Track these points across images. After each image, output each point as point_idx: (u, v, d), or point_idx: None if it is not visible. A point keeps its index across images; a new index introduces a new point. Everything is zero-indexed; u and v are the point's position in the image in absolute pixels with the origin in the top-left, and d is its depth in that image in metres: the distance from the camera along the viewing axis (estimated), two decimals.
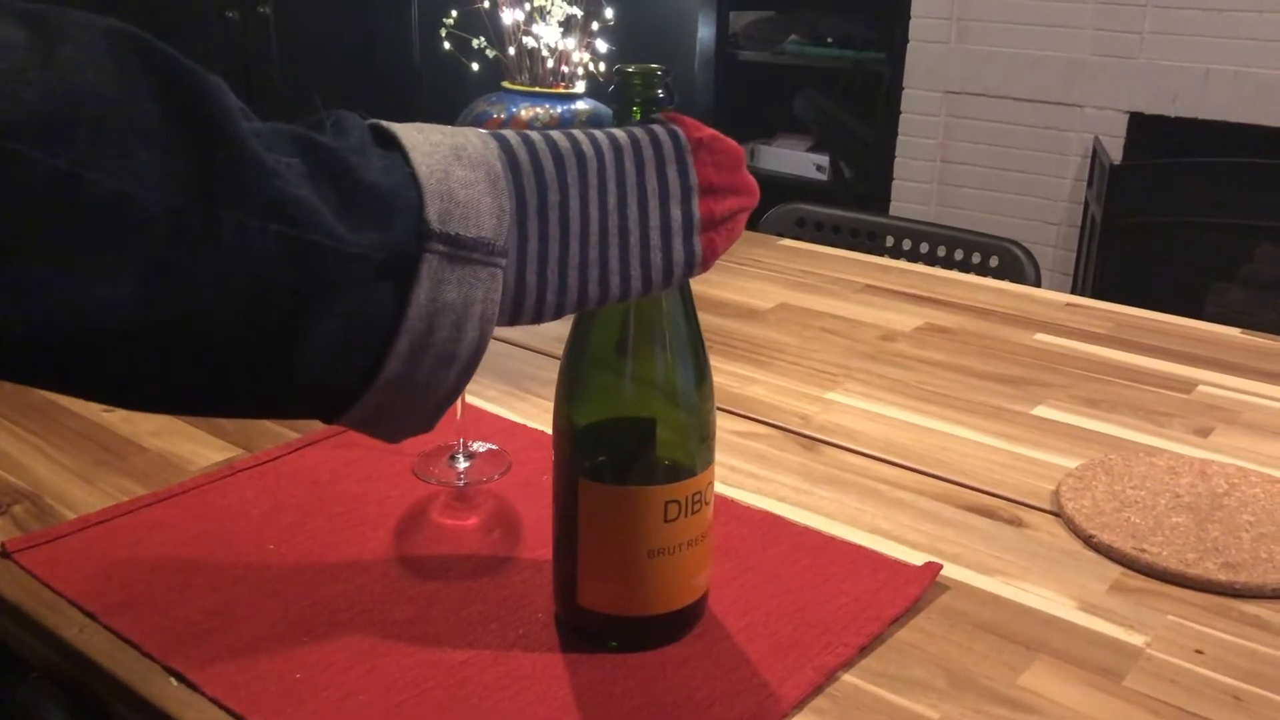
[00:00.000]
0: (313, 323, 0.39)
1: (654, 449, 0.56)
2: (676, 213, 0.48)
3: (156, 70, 0.36)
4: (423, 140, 0.42)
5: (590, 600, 0.57)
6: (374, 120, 0.43)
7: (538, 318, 0.46)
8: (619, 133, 0.48)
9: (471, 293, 0.42)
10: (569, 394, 0.56)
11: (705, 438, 0.56)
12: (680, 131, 0.49)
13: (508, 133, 0.45)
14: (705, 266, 0.49)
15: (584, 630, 0.58)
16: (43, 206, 0.33)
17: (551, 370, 0.95)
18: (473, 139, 0.43)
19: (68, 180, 0.34)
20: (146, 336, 0.37)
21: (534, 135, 0.45)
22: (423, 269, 0.40)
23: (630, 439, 0.56)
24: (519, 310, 0.45)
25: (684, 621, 0.58)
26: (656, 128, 0.49)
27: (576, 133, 0.46)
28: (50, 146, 0.33)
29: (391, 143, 0.42)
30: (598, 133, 0.47)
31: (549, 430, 0.83)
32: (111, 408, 0.41)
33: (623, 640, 0.58)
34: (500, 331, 1.02)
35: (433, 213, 0.41)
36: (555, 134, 0.46)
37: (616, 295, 0.47)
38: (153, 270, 0.35)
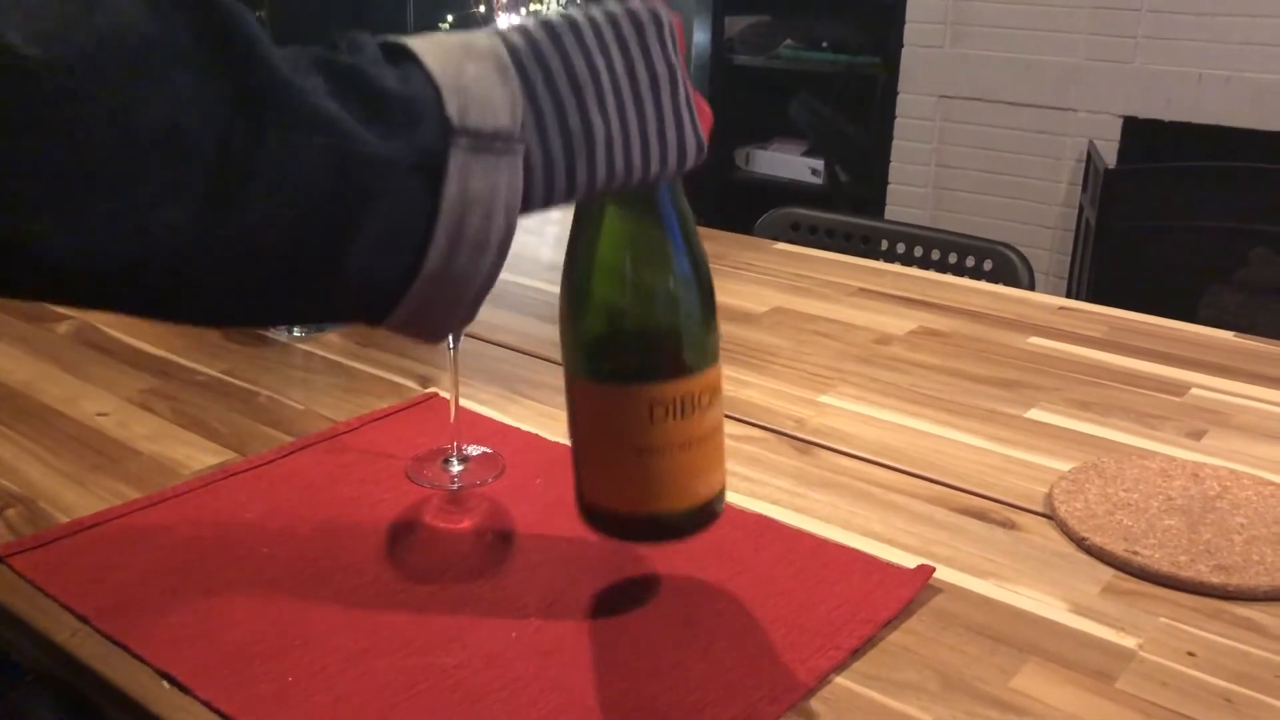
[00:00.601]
0: (356, 228, 0.41)
1: (638, 348, 0.55)
2: (680, 92, 0.48)
3: (186, 4, 0.39)
4: (434, 45, 0.44)
5: (592, 496, 0.57)
6: (384, 37, 0.45)
7: (569, 195, 0.47)
8: (609, 5, 0.48)
9: (496, 182, 0.43)
10: (563, 292, 0.56)
11: (697, 341, 0.54)
12: (661, 10, 0.48)
13: (505, 29, 0.47)
14: (703, 154, 0.50)
15: (593, 525, 0.58)
16: (101, 141, 0.36)
17: (545, 374, 0.95)
18: (478, 35, 0.45)
19: (122, 115, 0.36)
20: (207, 254, 0.39)
21: (529, 23, 0.46)
22: (450, 165, 0.42)
23: (613, 337, 0.55)
24: (550, 190, 0.46)
25: (688, 522, 0.57)
26: (636, 5, 0.48)
27: (571, 11, 0.47)
28: (103, 83, 0.36)
29: (404, 52, 0.44)
30: (592, 8, 0.47)
31: (543, 434, 0.83)
32: (153, 330, 0.43)
33: (626, 535, 0.58)
34: (494, 334, 1.03)
35: (452, 109, 0.43)
36: (550, 16, 0.47)
37: (637, 170, 0.48)
38: (208, 192, 0.38)
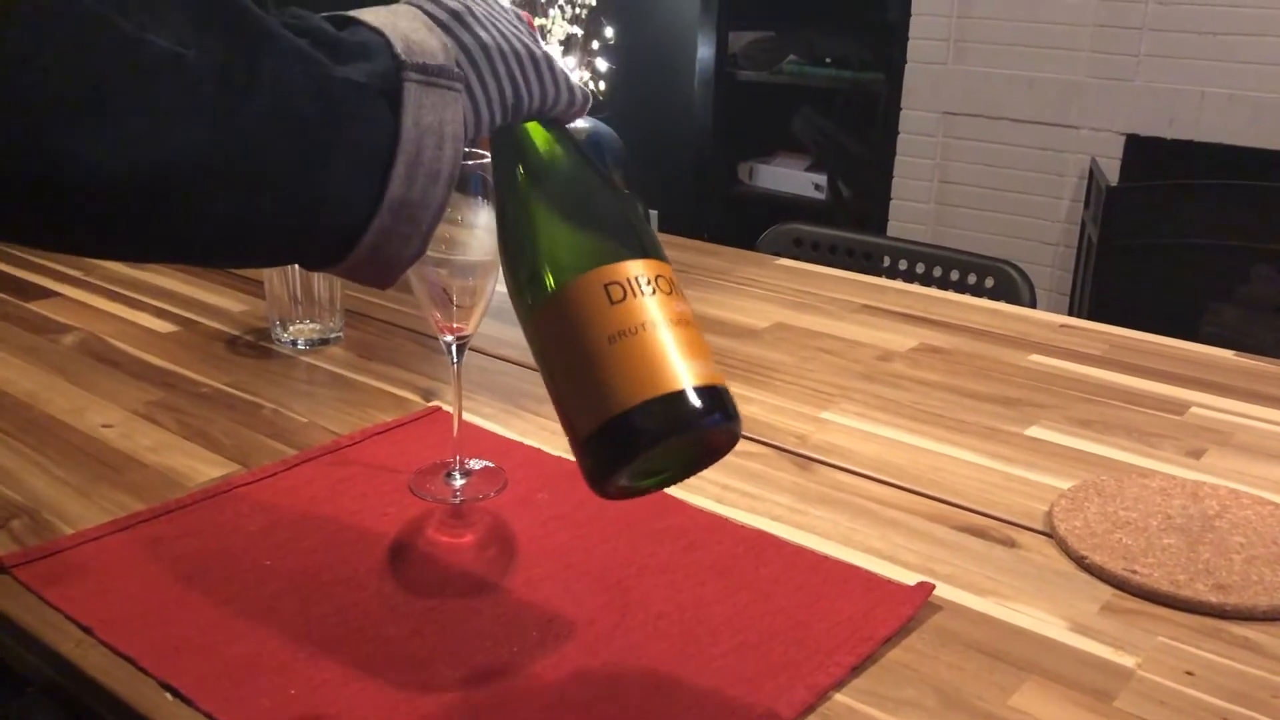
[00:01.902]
0: (334, 150, 0.47)
1: (575, 243, 0.54)
2: (549, 57, 0.57)
3: None
4: (366, 12, 0.51)
5: (590, 421, 0.51)
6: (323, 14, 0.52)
7: (491, 127, 0.54)
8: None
9: (444, 114, 0.49)
10: (501, 249, 0.56)
11: (630, 230, 0.53)
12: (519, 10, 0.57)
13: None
14: (589, 102, 0.59)
15: (606, 472, 0.51)
16: (121, 64, 0.41)
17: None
18: (398, 5, 0.52)
19: (135, 42, 0.41)
20: (215, 166, 0.44)
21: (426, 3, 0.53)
22: (405, 96, 0.48)
23: (553, 243, 0.54)
24: (479, 125, 0.53)
25: (702, 406, 0.50)
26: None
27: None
28: (122, 13, 0.41)
29: (342, 17, 0.51)
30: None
31: (545, 448, 0.83)
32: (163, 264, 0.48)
33: (645, 444, 0.50)
34: (497, 349, 1.03)
35: (400, 49, 0.49)
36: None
37: (550, 101, 0.56)
38: (215, 114, 0.43)
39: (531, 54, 0.55)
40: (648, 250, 0.54)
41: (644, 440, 0.50)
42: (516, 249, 0.55)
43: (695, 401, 0.50)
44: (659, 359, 0.50)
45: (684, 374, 0.50)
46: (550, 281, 0.53)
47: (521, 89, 0.54)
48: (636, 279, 0.52)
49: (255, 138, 0.44)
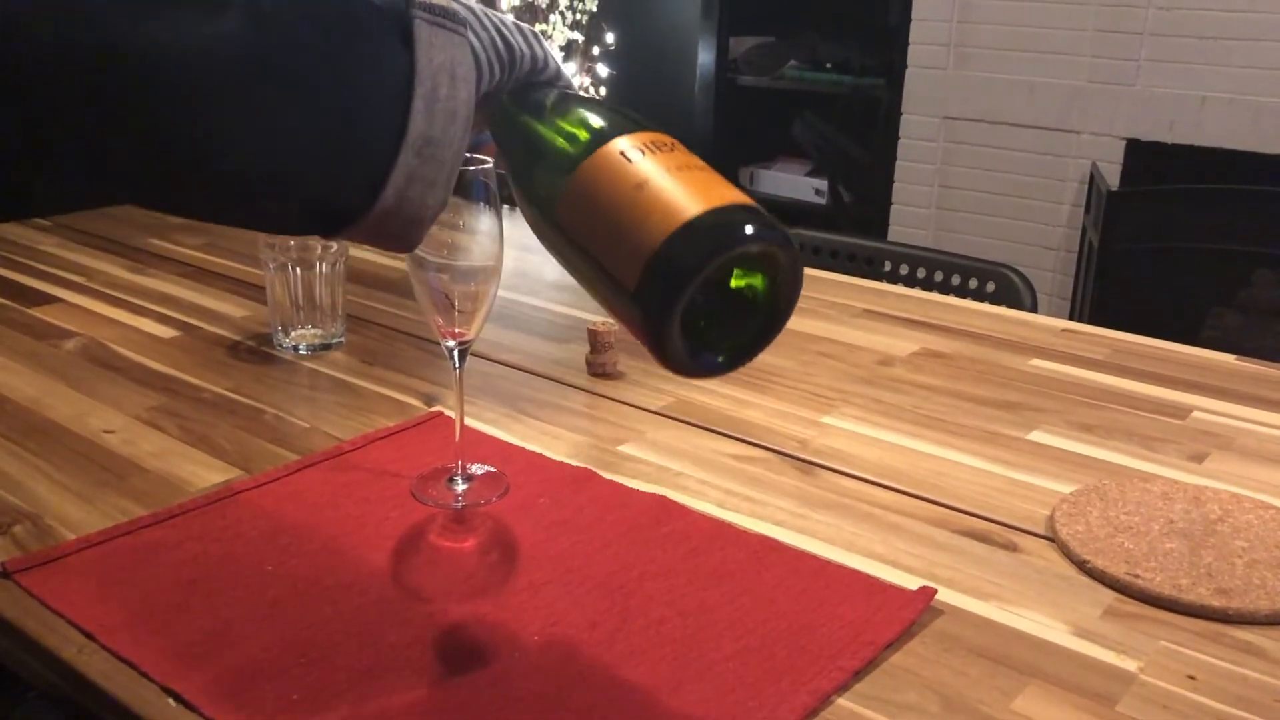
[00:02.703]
0: (359, 67, 0.48)
1: (583, 128, 0.55)
2: None
3: None
4: None
5: (636, 264, 0.49)
6: None
7: (489, 82, 0.55)
8: None
9: (454, 55, 0.50)
10: (520, 184, 0.56)
11: (628, 114, 0.54)
12: None
13: None
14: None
15: (653, 301, 0.49)
16: None
17: (550, 393, 0.96)
18: None
19: None
20: (249, 69, 0.45)
21: None
22: (417, 31, 0.49)
23: (567, 141, 0.55)
24: (479, 77, 0.53)
25: (740, 218, 0.49)
26: None
27: None
28: None
29: None
30: None
31: (547, 453, 0.83)
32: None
33: (701, 259, 0.48)
34: (499, 354, 1.03)
35: None
36: None
37: (540, 64, 0.57)
38: (249, 12, 0.45)
39: (518, 23, 0.57)
40: (652, 128, 0.54)
41: (692, 261, 0.47)
42: (528, 164, 0.55)
43: (735, 215, 0.48)
44: (691, 187, 0.49)
45: (720, 196, 0.49)
46: (570, 166, 0.53)
47: (515, 48, 0.55)
48: (652, 141, 0.52)
49: (287, 36, 0.46)
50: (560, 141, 0.55)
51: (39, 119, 0.44)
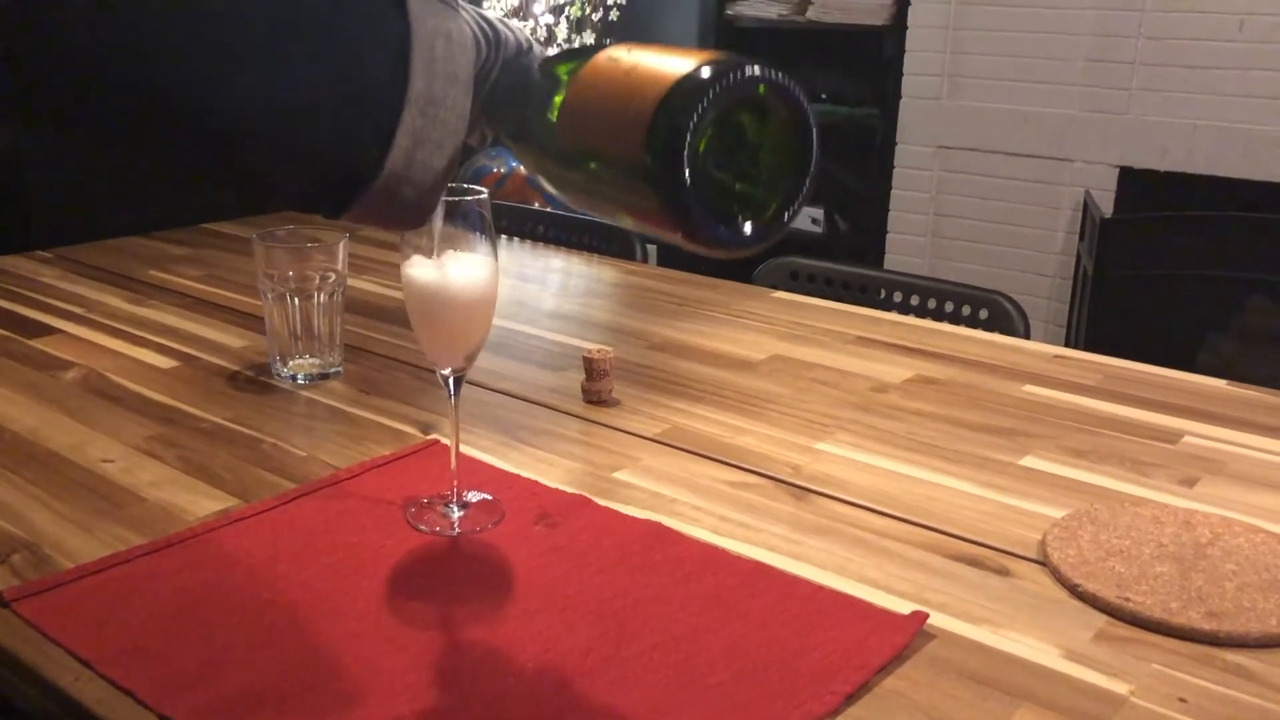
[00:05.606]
0: (360, 22, 0.50)
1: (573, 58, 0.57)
2: None
3: None
4: None
5: (637, 135, 0.50)
6: None
7: (489, 56, 0.57)
8: None
9: (448, 24, 0.52)
10: (550, 172, 0.57)
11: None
12: None
13: None
14: None
15: (661, 156, 0.50)
16: None
17: (545, 421, 0.96)
18: None
19: None
20: (258, 26, 0.47)
21: None
22: (409, 1, 0.51)
23: (549, 87, 0.56)
24: (476, 48, 0.55)
25: (733, 65, 0.50)
26: None
27: None
28: None
29: None
30: None
31: (543, 480, 0.84)
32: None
33: (714, 94, 0.50)
34: (495, 382, 1.04)
35: None
36: None
37: (524, 47, 0.59)
38: None
39: (498, 18, 0.59)
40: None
41: (689, 103, 0.48)
42: (525, 113, 0.56)
43: (724, 62, 0.50)
44: (679, 55, 0.51)
45: (708, 56, 0.50)
46: (564, 86, 0.54)
47: (500, 30, 0.57)
48: (636, 45, 0.53)
49: None
50: (555, 72, 0.56)
51: (64, 84, 0.46)
